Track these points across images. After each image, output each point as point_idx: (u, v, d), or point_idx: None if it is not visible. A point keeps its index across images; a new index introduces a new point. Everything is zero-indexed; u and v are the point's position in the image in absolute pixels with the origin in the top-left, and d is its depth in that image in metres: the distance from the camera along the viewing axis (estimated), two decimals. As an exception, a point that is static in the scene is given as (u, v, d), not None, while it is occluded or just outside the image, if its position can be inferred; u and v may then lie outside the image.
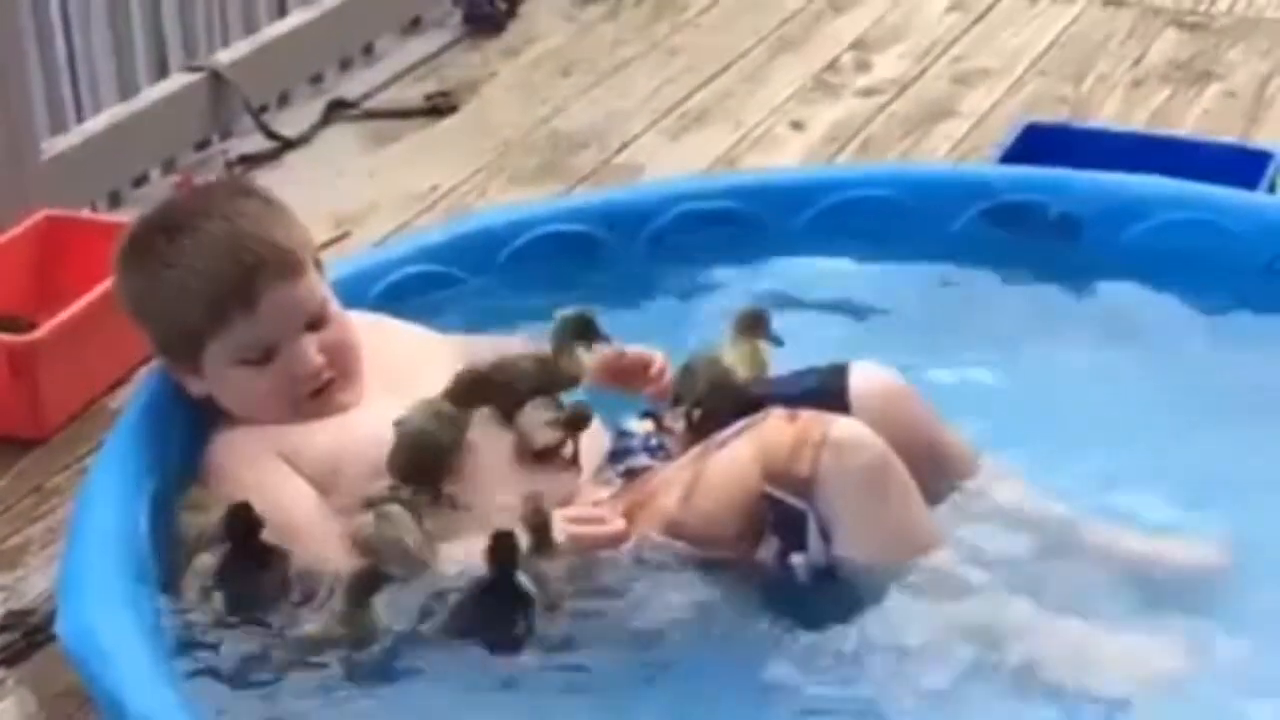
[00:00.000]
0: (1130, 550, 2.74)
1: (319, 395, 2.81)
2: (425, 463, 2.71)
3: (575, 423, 2.77)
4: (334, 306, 2.86)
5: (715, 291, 3.44)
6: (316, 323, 2.81)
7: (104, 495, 2.71)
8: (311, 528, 2.68)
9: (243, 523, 2.60)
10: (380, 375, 2.88)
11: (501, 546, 2.54)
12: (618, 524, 2.66)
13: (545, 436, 2.74)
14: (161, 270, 2.78)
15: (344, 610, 2.53)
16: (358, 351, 2.85)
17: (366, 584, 2.54)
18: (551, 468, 2.75)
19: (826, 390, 2.79)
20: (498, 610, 2.55)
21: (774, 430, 2.64)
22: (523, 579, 2.54)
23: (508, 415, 2.78)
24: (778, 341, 2.93)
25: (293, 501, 2.70)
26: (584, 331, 2.86)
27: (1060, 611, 2.61)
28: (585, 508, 2.71)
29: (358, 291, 3.10)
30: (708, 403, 2.84)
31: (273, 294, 2.76)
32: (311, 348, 2.79)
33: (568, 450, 2.76)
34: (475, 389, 2.76)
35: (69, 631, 2.49)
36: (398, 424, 2.71)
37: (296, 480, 2.73)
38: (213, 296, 2.75)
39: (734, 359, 2.88)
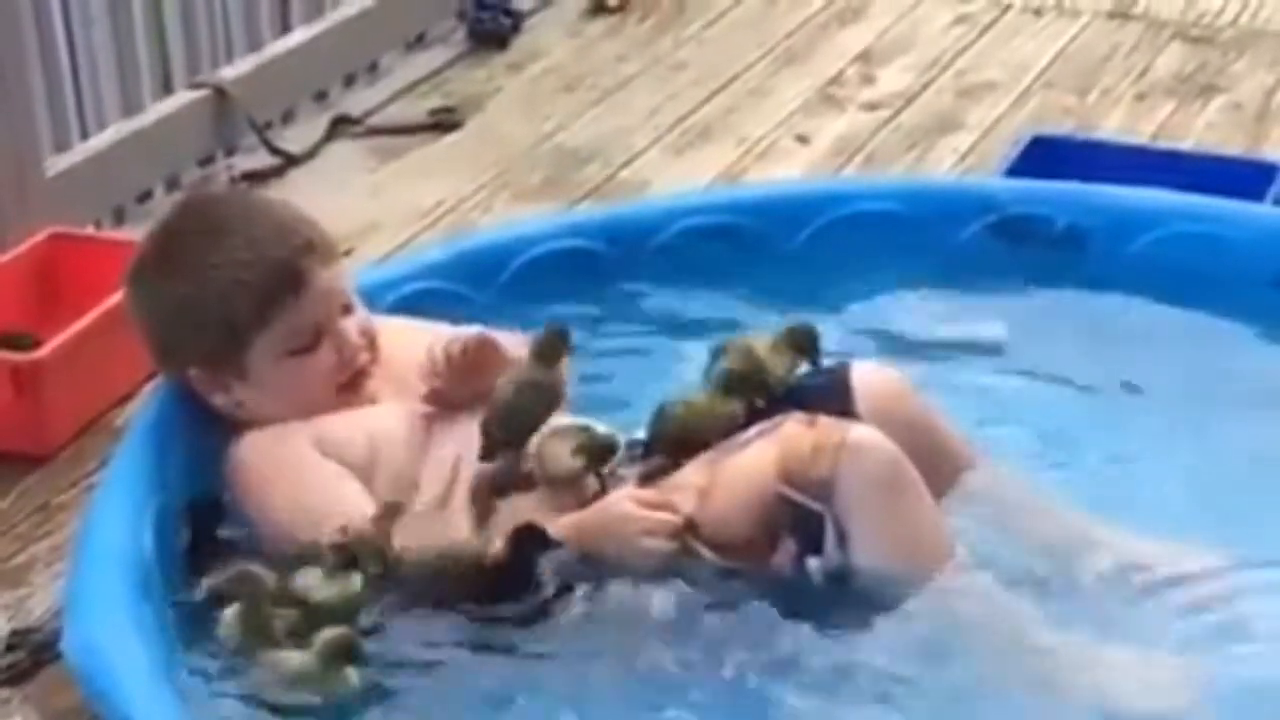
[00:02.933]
0: (1133, 555, 2.73)
1: (355, 380, 2.85)
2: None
3: (601, 455, 2.76)
4: (354, 294, 2.91)
5: (720, 306, 3.43)
6: (346, 309, 2.86)
7: (110, 513, 2.70)
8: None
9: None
10: (400, 379, 2.89)
11: (527, 536, 2.59)
12: (679, 517, 2.64)
13: (565, 467, 2.74)
14: (207, 271, 2.79)
15: (320, 664, 2.52)
16: (377, 338, 2.90)
17: (344, 647, 2.52)
18: (566, 496, 2.74)
19: (830, 389, 2.80)
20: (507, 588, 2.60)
21: (792, 433, 2.65)
22: (541, 569, 2.59)
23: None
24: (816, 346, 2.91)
25: (352, 493, 2.72)
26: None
27: (1068, 619, 2.61)
28: (656, 494, 2.69)
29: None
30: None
31: (320, 276, 2.81)
32: (353, 329, 2.84)
33: (590, 484, 2.75)
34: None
35: (75, 649, 2.49)
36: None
37: (342, 470, 2.74)
38: (266, 286, 2.77)
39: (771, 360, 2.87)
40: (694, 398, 2.84)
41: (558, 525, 2.67)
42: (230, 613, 2.58)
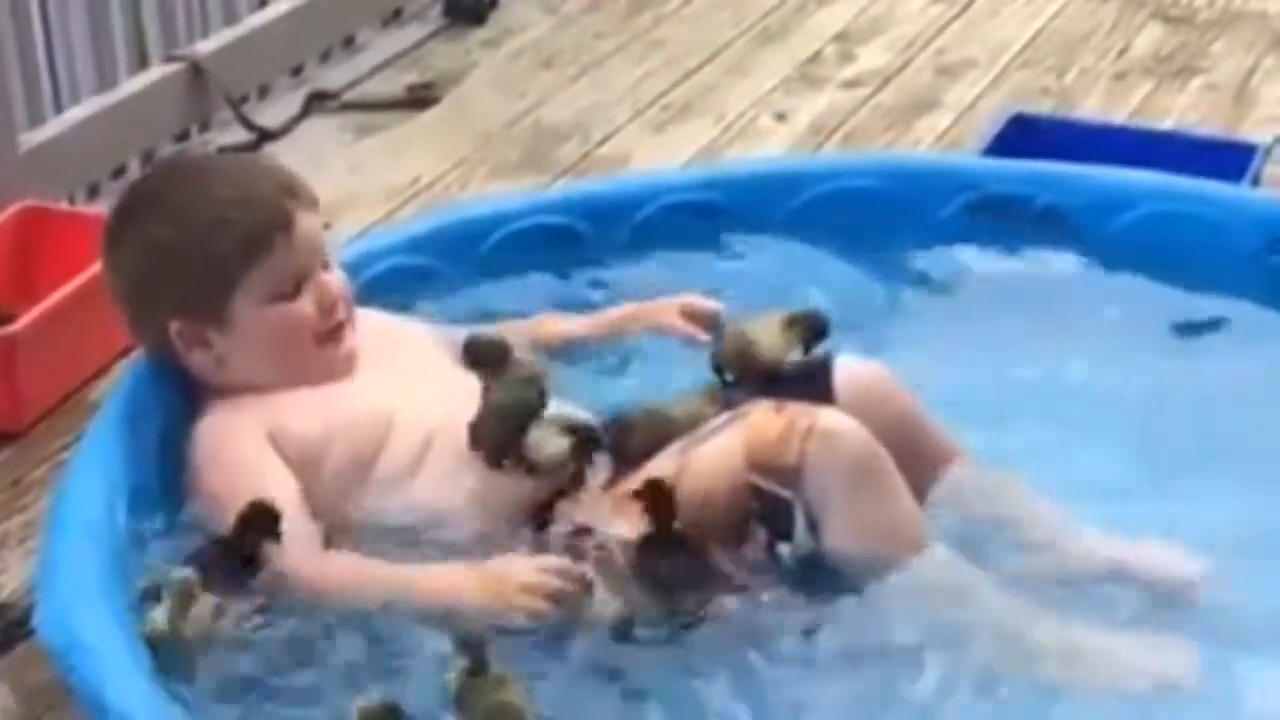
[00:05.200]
0: (1116, 553, 2.72)
1: (335, 333, 2.83)
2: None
3: (585, 445, 2.74)
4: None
5: (697, 283, 3.41)
6: (325, 265, 2.86)
7: (83, 488, 2.69)
8: (289, 523, 2.66)
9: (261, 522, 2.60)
10: (368, 359, 2.88)
11: (658, 496, 2.57)
12: (566, 581, 2.59)
13: (550, 452, 2.72)
14: (190, 210, 2.78)
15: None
16: (351, 299, 2.89)
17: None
18: (548, 482, 2.72)
19: (811, 378, 2.78)
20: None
21: (761, 421, 2.63)
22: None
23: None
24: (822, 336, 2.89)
25: (278, 489, 2.68)
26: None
27: (1047, 609, 2.60)
28: (560, 562, 2.63)
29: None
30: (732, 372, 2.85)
31: (305, 220, 2.81)
32: (333, 279, 2.85)
33: (569, 470, 2.73)
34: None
35: (48, 625, 2.48)
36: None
37: (281, 470, 2.71)
38: (253, 224, 2.76)
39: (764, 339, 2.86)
40: (651, 404, 2.83)
41: (439, 578, 2.63)
42: (159, 616, 2.50)
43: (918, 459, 2.72)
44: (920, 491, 2.69)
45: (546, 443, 2.72)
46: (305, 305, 2.80)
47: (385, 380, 2.85)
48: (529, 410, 2.73)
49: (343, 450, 2.73)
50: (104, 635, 2.43)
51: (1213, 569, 2.68)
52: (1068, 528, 2.75)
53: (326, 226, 2.93)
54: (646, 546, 2.59)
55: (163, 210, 2.81)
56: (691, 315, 3.11)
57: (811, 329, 2.88)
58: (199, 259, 2.76)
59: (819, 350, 2.87)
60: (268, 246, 2.76)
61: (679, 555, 2.59)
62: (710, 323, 3.09)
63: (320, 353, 2.83)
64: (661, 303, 3.15)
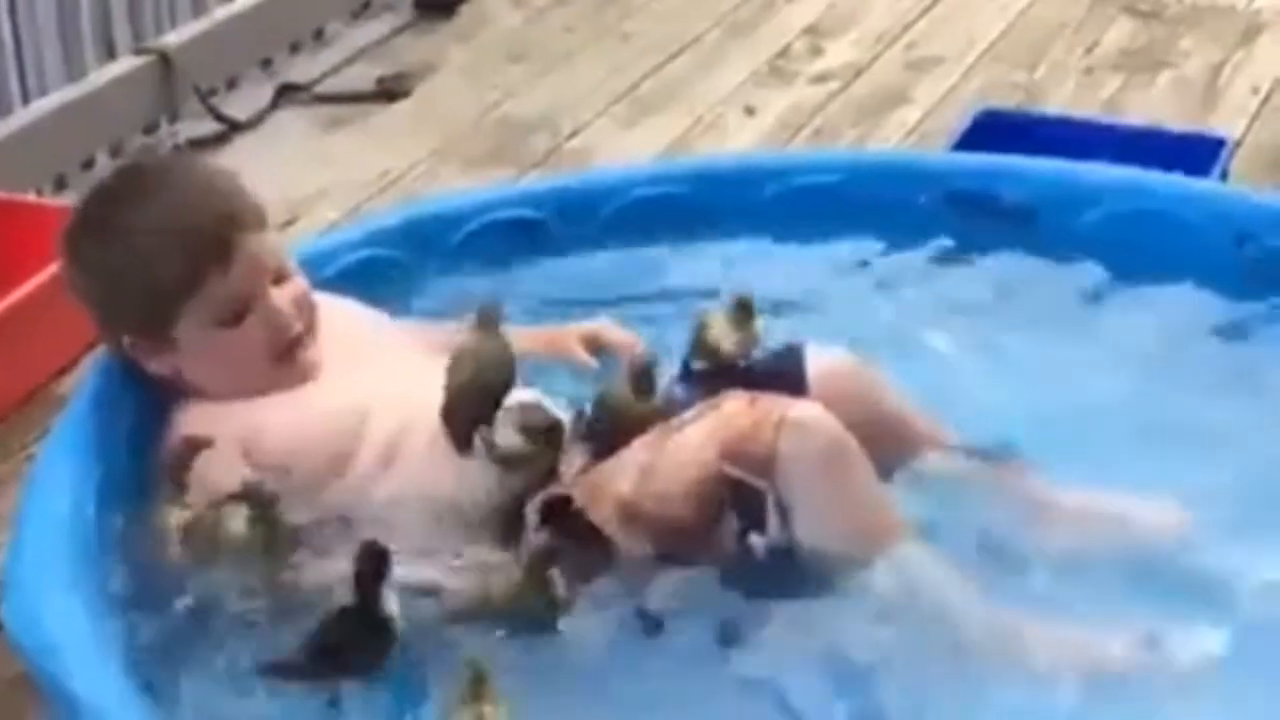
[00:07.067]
0: (1092, 515, 2.74)
1: (290, 352, 2.81)
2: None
3: (546, 434, 2.72)
4: (290, 261, 2.87)
5: (666, 279, 3.42)
6: (279, 277, 2.82)
7: (51, 483, 2.68)
8: None
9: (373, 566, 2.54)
10: (338, 352, 2.87)
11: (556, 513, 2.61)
12: None
13: (512, 444, 2.71)
14: (131, 238, 2.75)
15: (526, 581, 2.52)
16: (315, 307, 2.86)
17: (548, 558, 2.53)
18: (517, 475, 2.71)
19: (783, 371, 2.79)
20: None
21: (733, 412, 2.63)
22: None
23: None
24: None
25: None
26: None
27: (1016, 595, 2.60)
28: None
29: (306, 276, 3.07)
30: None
31: (245, 245, 2.76)
32: (282, 300, 2.80)
33: (540, 464, 2.71)
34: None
35: (14, 621, 2.46)
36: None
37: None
38: (190, 253, 2.73)
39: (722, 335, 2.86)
40: (625, 393, 2.80)
41: None
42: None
43: (893, 447, 2.73)
44: (897, 477, 2.70)
45: (508, 436, 2.71)
46: (251, 331, 2.78)
47: (355, 374, 2.83)
48: (499, 384, 2.72)
49: (319, 452, 2.72)
50: (71, 631, 2.42)
51: (1193, 521, 2.70)
52: (1052, 499, 2.77)
53: (293, 221, 2.91)
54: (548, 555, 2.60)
55: (104, 233, 2.79)
56: (594, 342, 3.10)
57: (748, 310, 2.86)
58: (137, 288, 2.75)
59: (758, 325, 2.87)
60: (204, 278, 2.73)
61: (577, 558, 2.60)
62: (611, 353, 3.08)
63: (278, 366, 2.81)
64: (571, 329, 3.13)
